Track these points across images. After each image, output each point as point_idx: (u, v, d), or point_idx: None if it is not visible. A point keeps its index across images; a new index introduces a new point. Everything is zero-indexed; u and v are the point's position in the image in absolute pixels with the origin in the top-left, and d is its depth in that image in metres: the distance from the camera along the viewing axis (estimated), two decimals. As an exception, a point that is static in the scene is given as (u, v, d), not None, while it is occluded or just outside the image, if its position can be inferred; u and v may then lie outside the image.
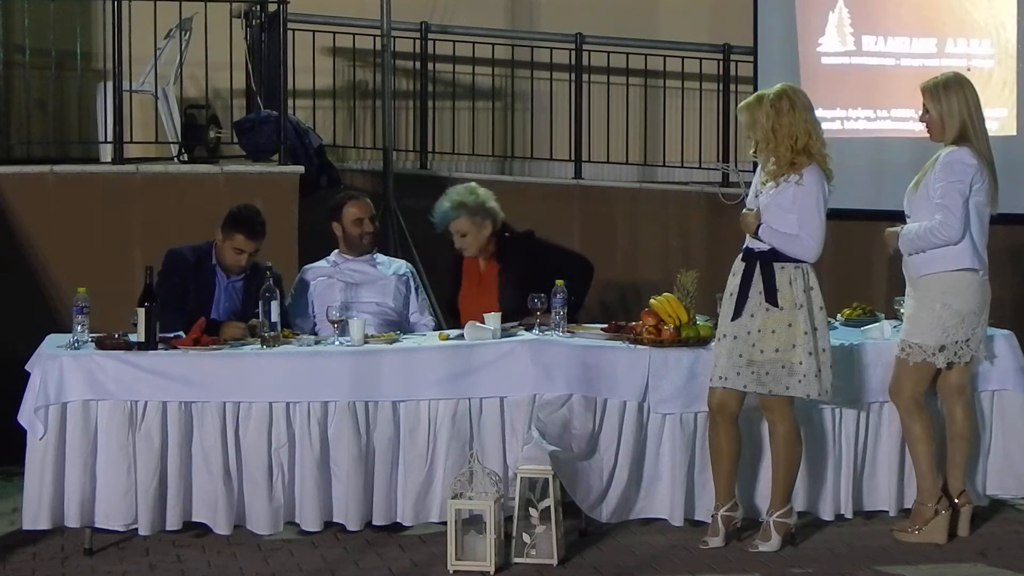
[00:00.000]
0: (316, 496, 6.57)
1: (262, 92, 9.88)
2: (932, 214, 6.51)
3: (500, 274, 7.43)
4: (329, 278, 7.49)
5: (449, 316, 7.73)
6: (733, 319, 6.44)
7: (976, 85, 6.69)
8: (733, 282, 6.51)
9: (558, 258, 7.44)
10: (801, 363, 6.37)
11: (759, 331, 6.39)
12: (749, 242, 6.50)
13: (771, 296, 6.39)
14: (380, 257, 7.69)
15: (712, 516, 6.59)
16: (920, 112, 6.70)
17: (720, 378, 6.46)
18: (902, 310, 7.32)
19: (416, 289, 7.65)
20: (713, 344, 6.59)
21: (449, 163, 11.56)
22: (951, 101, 6.59)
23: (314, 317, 7.40)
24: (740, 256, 6.53)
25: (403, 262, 7.80)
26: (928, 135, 6.69)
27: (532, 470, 6.34)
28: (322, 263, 7.62)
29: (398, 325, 7.37)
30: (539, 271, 7.11)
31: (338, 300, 7.19)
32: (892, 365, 6.78)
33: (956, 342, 6.58)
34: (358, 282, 7.47)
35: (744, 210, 6.55)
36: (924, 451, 6.64)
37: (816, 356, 6.38)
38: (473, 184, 7.62)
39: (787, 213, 6.40)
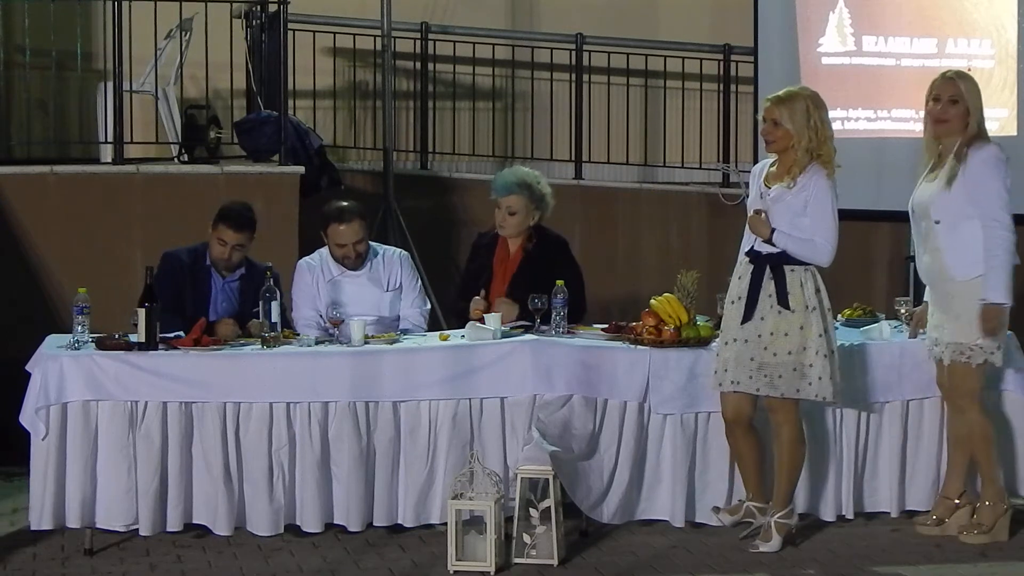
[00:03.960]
0: (317, 497, 6.57)
1: (262, 92, 9.88)
2: (967, 213, 6.41)
3: (525, 261, 7.38)
4: (326, 290, 7.38)
5: (465, 302, 7.47)
6: (743, 323, 6.43)
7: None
8: (739, 285, 6.48)
9: (572, 282, 7.28)
10: (812, 366, 6.36)
11: (771, 334, 6.38)
12: (756, 244, 6.48)
13: (783, 299, 6.37)
14: (376, 256, 7.45)
15: (741, 500, 6.60)
16: (931, 106, 6.54)
17: (732, 382, 6.44)
18: (902, 310, 7.32)
19: (412, 283, 7.48)
20: (716, 347, 6.59)
21: (449, 163, 11.56)
22: (973, 93, 6.52)
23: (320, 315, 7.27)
24: (746, 259, 6.50)
25: (397, 259, 7.49)
26: (943, 126, 6.53)
27: (532, 470, 6.34)
28: (315, 262, 7.40)
29: (398, 325, 7.34)
30: (554, 278, 7.04)
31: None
32: (892, 366, 6.79)
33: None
34: (355, 300, 7.35)
35: (751, 213, 6.50)
36: (994, 450, 6.60)
37: (830, 358, 6.38)
38: (540, 173, 7.59)
39: (799, 217, 6.37)
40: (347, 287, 7.34)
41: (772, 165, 6.55)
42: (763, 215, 6.42)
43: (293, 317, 7.36)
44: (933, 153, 6.63)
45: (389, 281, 7.43)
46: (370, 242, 7.52)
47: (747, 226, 6.55)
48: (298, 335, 6.95)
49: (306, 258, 7.51)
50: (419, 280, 7.57)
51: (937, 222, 6.51)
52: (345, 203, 7.42)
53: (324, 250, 7.45)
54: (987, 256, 6.43)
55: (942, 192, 6.50)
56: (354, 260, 7.34)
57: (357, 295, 7.31)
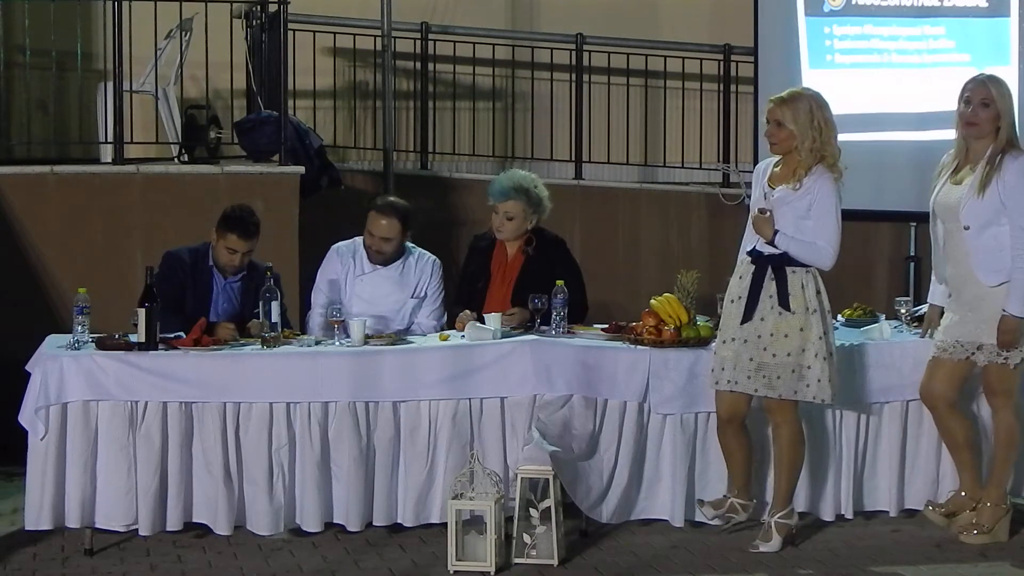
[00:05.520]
0: (317, 497, 6.57)
1: (263, 92, 9.88)
2: (997, 220, 6.36)
3: (525, 265, 7.38)
4: (352, 284, 7.38)
5: (461, 305, 7.43)
6: (743, 323, 6.42)
7: (977, 86, 6.64)
8: (740, 285, 6.48)
9: (572, 281, 7.28)
10: (811, 368, 6.35)
11: (771, 335, 6.37)
12: (758, 244, 6.46)
13: (784, 300, 6.36)
14: (409, 258, 7.40)
15: (725, 495, 6.60)
16: (962, 108, 6.47)
17: (729, 382, 6.44)
18: (903, 310, 7.31)
19: (436, 293, 7.44)
20: (715, 346, 6.59)
21: (449, 164, 11.55)
22: (1004, 97, 6.45)
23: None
24: (748, 259, 6.48)
25: (429, 267, 7.43)
26: (972, 128, 6.45)
27: (532, 470, 6.34)
28: (348, 250, 7.38)
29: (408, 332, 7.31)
30: (554, 278, 7.03)
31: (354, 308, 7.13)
32: (892, 366, 6.78)
33: None
34: (377, 298, 7.34)
35: (756, 212, 6.47)
36: (1013, 454, 6.59)
37: (829, 361, 6.37)
38: (536, 176, 7.58)
39: (802, 219, 6.36)
40: (374, 284, 7.35)
41: (776, 165, 6.53)
42: (768, 214, 6.42)
43: (312, 298, 7.36)
44: (960, 154, 6.57)
45: (417, 287, 7.43)
46: (407, 244, 7.46)
47: (748, 225, 6.55)
48: (298, 335, 6.96)
49: (341, 243, 7.50)
50: (443, 292, 7.52)
51: (966, 228, 6.46)
52: (395, 200, 7.49)
53: (360, 240, 7.44)
54: (1013, 265, 6.40)
55: (974, 198, 6.44)
56: (376, 255, 7.34)
57: (381, 294, 7.34)
